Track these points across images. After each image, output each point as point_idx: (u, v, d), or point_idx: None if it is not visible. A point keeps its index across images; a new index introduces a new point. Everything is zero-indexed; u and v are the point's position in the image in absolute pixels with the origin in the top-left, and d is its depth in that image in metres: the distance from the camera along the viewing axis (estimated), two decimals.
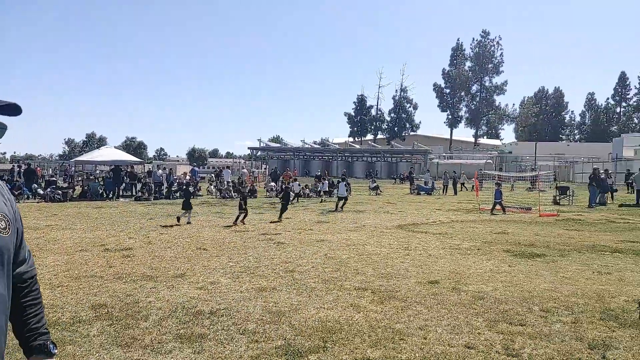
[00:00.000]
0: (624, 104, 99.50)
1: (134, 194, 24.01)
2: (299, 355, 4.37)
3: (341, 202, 19.33)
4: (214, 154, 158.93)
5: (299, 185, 25.51)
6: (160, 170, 24.13)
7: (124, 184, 24.02)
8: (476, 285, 6.87)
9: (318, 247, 10.04)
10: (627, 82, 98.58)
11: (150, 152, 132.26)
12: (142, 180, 25.27)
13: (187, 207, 14.45)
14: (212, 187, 27.87)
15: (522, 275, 7.54)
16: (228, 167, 32.34)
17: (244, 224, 14.08)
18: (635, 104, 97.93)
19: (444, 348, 4.55)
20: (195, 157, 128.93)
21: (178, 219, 14.18)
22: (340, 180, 21.47)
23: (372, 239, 11.38)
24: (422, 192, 30.90)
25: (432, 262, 8.60)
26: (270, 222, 14.61)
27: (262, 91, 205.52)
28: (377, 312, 5.65)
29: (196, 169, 34.32)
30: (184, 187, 16.02)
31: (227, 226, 13.59)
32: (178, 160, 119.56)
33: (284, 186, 19.03)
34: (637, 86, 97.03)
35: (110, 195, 23.11)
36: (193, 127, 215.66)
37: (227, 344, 4.62)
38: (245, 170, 35.19)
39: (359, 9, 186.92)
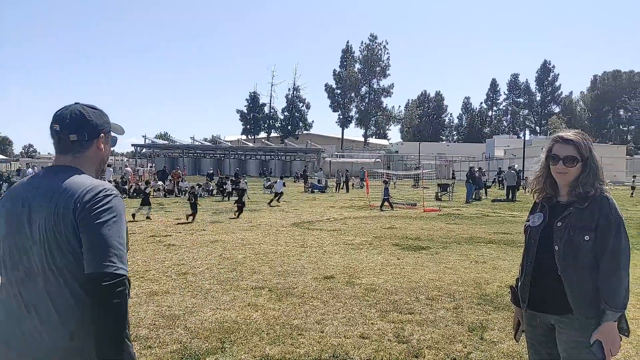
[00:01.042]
0: (495, 108, 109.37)
1: None
2: (196, 357, 4.27)
3: (277, 197, 21.16)
4: None
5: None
6: (30, 169, 22.14)
7: None
8: (368, 278, 7.17)
9: (212, 248, 9.84)
10: (498, 88, 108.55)
11: (17, 149, 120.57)
12: (7, 180, 22.95)
13: (146, 203, 15.53)
14: None
15: (409, 267, 8.00)
16: (109, 165, 30.47)
17: (194, 221, 14.44)
18: (504, 108, 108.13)
19: (340, 340, 4.69)
20: None
21: (133, 215, 14.56)
22: (280, 178, 24.54)
23: (267, 237, 11.39)
24: (315, 190, 31.51)
25: (327, 258, 8.81)
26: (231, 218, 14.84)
27: (146, 85, 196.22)
28: (275, 309, 5.67)
29: None
30: (143, 188, 16.90)
31: None
32: (50, 158, 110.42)
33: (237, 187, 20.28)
34: (506, 92, 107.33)
35: None
36: None
37: None
38: (129, 168, 33.37)
39: (250, 5, 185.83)
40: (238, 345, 4.56)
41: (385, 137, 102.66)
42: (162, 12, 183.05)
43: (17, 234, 1.81)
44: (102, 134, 1.98)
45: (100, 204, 1.76)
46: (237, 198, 17.11)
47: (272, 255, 9.07)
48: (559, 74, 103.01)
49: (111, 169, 28.74)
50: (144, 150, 64.76)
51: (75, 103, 1.98)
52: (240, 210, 16.24)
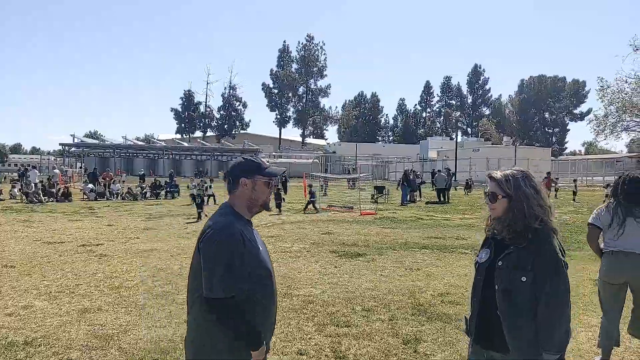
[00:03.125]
0: (428, 109, 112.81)
1: None
2: None
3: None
4: (16, 149, 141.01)
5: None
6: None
7: None
8: (306, 289, 7.24)
9: (147, 258, 9.57)
10: (431, 90, 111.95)
11: None
12: None
13: None
14: (15, 190, 24.59)
15: (346, 276, 8.15)
16: (35, 167, 28.80)
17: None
18: (437, 109, 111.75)
19: (277, 357, 4.73)
20: None
21: None
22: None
23: None
24: None
25: None
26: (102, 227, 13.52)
27: (74, 80, 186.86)
28: None
29: None
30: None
31: (38, 238, 12.18)
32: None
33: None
34: (439, 94, 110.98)
35: None
36: None
37: None
38: (57, 170, 31.75)
39: (184, 3, 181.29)
40: None
41: (322, 137, 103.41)
42: (94, 3, 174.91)
43: None
44: (243, 178, 2.52)
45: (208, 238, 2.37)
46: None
47: None
48: (489, 78, 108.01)
49: (36, 171, 27.13)
50: (72, 149, 61.71)
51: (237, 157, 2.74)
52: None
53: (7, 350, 4.78)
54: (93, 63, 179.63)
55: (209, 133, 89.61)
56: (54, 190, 23.80)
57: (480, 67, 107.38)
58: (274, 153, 72.91)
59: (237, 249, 2.32)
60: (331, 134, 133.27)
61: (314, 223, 15.98)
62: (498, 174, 2.52)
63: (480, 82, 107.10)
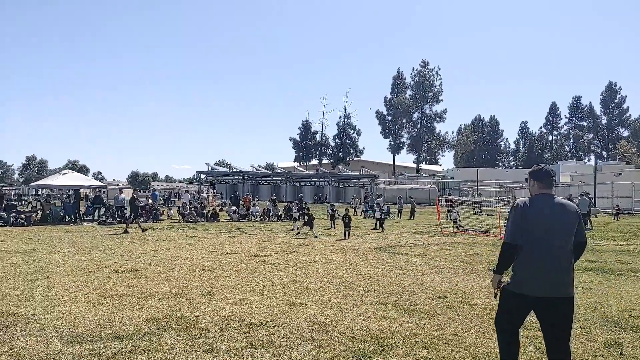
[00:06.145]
0: (555, 132, 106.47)
1: (95, 217, 23.51)
2: (367, 356, 4.87)
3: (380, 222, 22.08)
4: (154, 177, 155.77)
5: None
6: (122, 195, 23.94)
7: (89, 208, 23.68)
8: (483, 300, 7.56)
9: (316, 268, 10.51)
10: (558, 112, 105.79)
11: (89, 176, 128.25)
12: (106, 204, 24.93)
13: None
14: (171, 211, 27.65)
15: None
16: (187, 191, 32.14)
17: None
18: (565, 132, 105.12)
19: (486, 350, 5.18)
20: (138, 180, 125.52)
21: None
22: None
23: (360, 259, 11.96)
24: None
25: (430, 280, 9.27)
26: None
27: (204, 114, 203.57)
28: (410, 322, 6.21)
29: (156, 193, 33.96)
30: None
31: (214, 250, 13.77)
32: (118, 184, 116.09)
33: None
34: (567, 116, 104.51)
35: (73, 219, 22.56)
36: (129, 149, 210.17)
37: (296, 349, 5.05)
38: (205, 194, 35.00)
39: (302, 36, 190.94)
40: (395, 349, 5.13)
41: (436, 162, 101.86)
42: (216, 44, 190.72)
43: (547, 224, 3.84)
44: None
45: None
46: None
47: (375, 276, 9.60)
48: (626, 96, 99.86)
49: (189, 194, 30.34)
50: (202, 176, 67.19)
51: (545, 164, 4.34)
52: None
53: (251, 328, 5.76)
54: (219, 98, 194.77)
55: (325, 160, 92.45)
56: (204, 211, 26.44)
57: (615, 85, 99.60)
58: (389, 179, 73.27)
59: None
60: (446, 159, 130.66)
61: (454, 245, 16.09)
62: None
63: (616, 101, 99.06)
